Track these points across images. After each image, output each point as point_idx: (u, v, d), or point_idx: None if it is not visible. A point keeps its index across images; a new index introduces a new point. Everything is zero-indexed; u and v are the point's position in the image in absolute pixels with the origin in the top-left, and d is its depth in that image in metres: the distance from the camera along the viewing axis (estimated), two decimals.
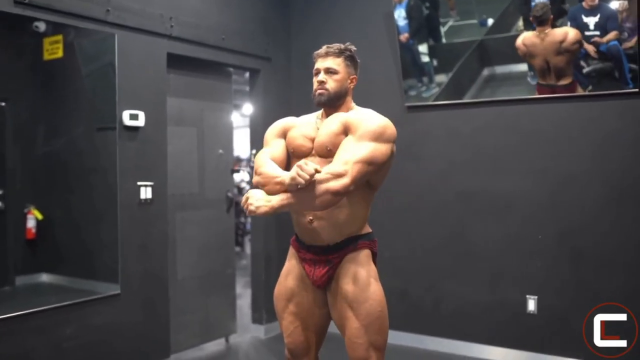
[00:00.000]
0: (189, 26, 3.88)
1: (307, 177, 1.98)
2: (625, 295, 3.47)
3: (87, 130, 3.88)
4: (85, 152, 3.87)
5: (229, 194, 4.44)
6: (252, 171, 2.34)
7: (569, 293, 3.68)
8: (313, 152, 2.24)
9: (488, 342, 3.95)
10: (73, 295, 3.44)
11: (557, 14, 3.60)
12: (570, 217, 3.69)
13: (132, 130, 3.54)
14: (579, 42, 3.54)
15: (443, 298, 4.15)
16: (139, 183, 3.58)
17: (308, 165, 1.99)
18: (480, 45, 3.95)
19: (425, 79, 4.21)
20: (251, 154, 4.59)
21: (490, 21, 3.90)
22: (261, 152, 2.33)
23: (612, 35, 3.44)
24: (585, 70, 3.59)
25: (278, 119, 2.43)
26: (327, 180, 2.03)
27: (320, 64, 2.26)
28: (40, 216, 3.82)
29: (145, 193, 3.61)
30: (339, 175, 2.04)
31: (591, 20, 3.49)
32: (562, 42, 3.59)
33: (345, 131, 2.17)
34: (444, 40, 4.10)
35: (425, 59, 4.18)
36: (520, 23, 3.77)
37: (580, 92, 3.63)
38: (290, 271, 2.37)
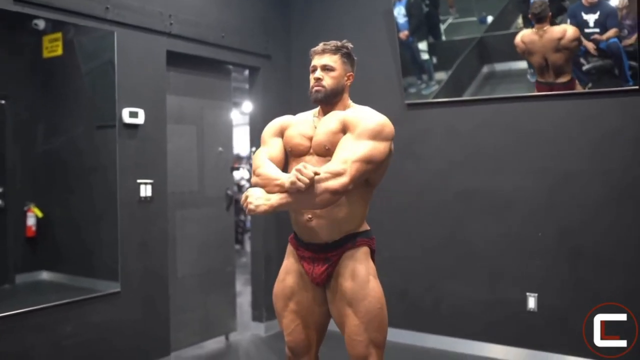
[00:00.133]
0: (189, 24, 3.88)
1: (307, 181, 1.98)
2: (625, 295, 3.47)
3: (87, 128, 3.88)
4: (85, 150, 3.87)
5: (229, 192, 4.44)
6: (251, 169, 2.34)
7: (569, 291, 3.68)
8: (311, 150, 2.23)
9: (488, 339, 3.95)
10: (73, 293, 3.44)
11: (556, 12, 3.60)
12: (570, 217, 3.68)
13: (131, 128, 3.54)
14: (577, 40, 3.54)
15: (443, 296, 4.15)
16: (138, 181, 3.58)
17: (307, 169, 1.99)
18: (479, 42, 3.94)
19: (424, 77, 4.21)
20: (251, 151, 4.59)
21: (489, 19, 3.89)
22: (259, 151, 2.33)
23: (612, 32, 3.43)
24: (585, 67, 3.59)
25: (278, 116, 2.42)
26: (326, 179, 2.03)
27: (317, 60, 2.25)
28: (40, 214, 3.82)
29: (145, 191, 3.61)
30: (337, 174, 2.04)
31: (591, 18, 3.48)
32: (560, 39, 3.59)
33: (344, 129, 2.17)
34: (443, 38, 4.09)
35: (425, 56, 4.17)
36: (520, 21, 3.77)
37: (579, 89, 3.63)
38: (289, 269, 2.37)
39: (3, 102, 3.75)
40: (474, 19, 3.96)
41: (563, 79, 3.66)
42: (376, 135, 2.12)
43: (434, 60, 4.15)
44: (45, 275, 3.92)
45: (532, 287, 3.79)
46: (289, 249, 2.40)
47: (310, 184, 1.99)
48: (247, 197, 2.11)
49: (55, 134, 3.97)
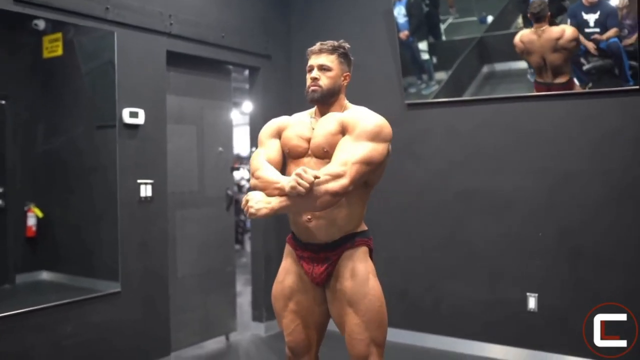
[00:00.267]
0: (189, 24, 3.88)
1: (307, 185, 1.99)
2: (625, 295, 3.47)
3: (87, 128, 3.88)
4: (85, 150, 3.88)
5: (229, 192, 4.44)
6: (250, 170, 2.34)
7: (570, 291, 3.68)
8: (309, 152, 2.24)
9: (488, 339, 3.95)
10: (73, 293, 3.44)
11: (556, 11, 3.59)
12: (570, 217, 3.68)
13: (132, 128, 3.54)
14: (575, 40, 3.53)
15: (443, 296, 4.14)
16: (139, 181, 3.58)
17: (307, 173, 1.99)
18: (479, 42, 3.94)
19: (425, 77, 4.21)
20: (251, 151, 4.58)
21: (489, 18, 3.89)
22: (256, 153, 2.33)
23: (612, 32, 3.43)
24: (585, 67, 3.59)
25: (278, 116, 2.42)
26: (326, 181, 2.03)
27: (314, 60, 2.25)
28: (40, 214, 3.82)
29: (145, 191, 3.61)
30: (337, 176, 2.05)
31: (591, 18, 3.48)
32: (558, 39, 3.58)
33: (343, 131, 2.17)
34: (443, 38, 4.09)
35: (425, 56, 4.17)
36: (520, 20, 3.76)
37: (577, 90, 3.62)
38: (289, 270, 2.37)
39: (3, 102, 3.75)
40: (474, 18, 3.96)
41: (561, 80, 3.66)
42: (375, 137, 2.13)
43: (434, 60, 4.15)
44: (45, 275, 3.92)
45: (532, 287, 3.79)
46: (287, 249, 2.40)
47: (310, 188, 1.99)
48: (247, 201, 2.11)
49: (55, 134, 3.97)
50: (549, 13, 3.59)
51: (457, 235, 4.10)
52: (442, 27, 4.07)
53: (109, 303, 3.44)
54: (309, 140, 2.24)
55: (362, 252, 2.27)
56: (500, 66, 3.96)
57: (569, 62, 3.62)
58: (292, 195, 2.04)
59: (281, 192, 2.08)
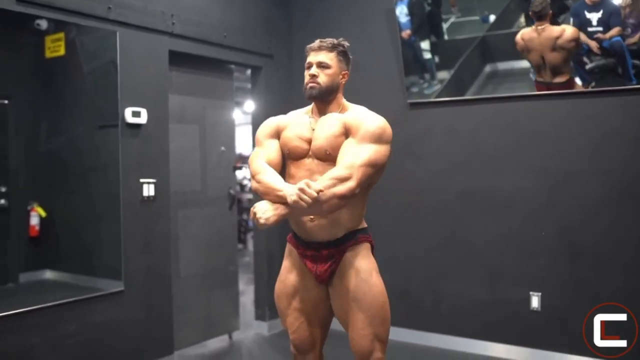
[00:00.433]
0: (191, 24, 3.88)
1: (309, 200, 1.98)
2: (625, 295, 3.46)
3: (90, 128, 3.89)
4: (87, 149, 3.88)
5: (231, 192, 4.45)
6: (250, 171, 2.33)
7: (572, 291, 3.67)
8: (310, 153, 2.23)
9: (490, 339, 3.95)
10: (76, 292, 3.45)
11: (558, 10, 3.58)
12: (570, 217, 3.67)
13: (134, 128, 3.54)
14: (575, 41, 3.52)
15: (444, 296, 4.14)
16: (141, 180, 3.59)
17: (310, 188, 1.98)
18: (482, 41, 3.94)
19: (427, 76, 4.20)
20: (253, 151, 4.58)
21: (492, 17, 3.89)
22: (255, 153, 2.32)
23: (615, 31, 3.42)
24: (588, 66, 3.58)
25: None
26: (333, 185, 2.05)
27: (313, 57, 2.26)
28: (43, 213, 3.83)
29: (148, 190, 3.61)
30: (344, 179, 2.06)
31: (594, 16, 3.47)
32: (557, 38, 3.57)
33: (346, 133, 2.18)
34: (445, 37, 4.09)
35: (427, 55, 4.17)
36: (522, 19, 3.76)
37: (579, 89, 3.61)
38: (291, 268, 2.38)
39: (6, 102, 3.76)
40: (477, 18, 3.95)
41: (560, 79, 3.65)
42: (378, 139, 2.14)
43: (436, 59, 4.15)
44: (48, 274, 3.93)
45: (535, 287, 3.78)
46: (288, 248, 2.41)
47: (312, 203, 1.99)
48: (255, 213, 2.09)
49: (58, 133, 3.98)
50: (551, 12, 3.58)
51: (457, 235, 4.09)
52: (444, 26, 4.07)
53: (112, 302, 3.45)
54: (309, 141, 2.24)
55: (365, 249, 2.28)
56: (502, 65, 3.96)
57: (568, 63, 3.62)
58: (294, 207, 2.04)
59: (283, 198, 2.07)
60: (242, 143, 10.36)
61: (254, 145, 2.43)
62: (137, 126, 3.56)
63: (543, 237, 3.75)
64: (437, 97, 4.14)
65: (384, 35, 4.34)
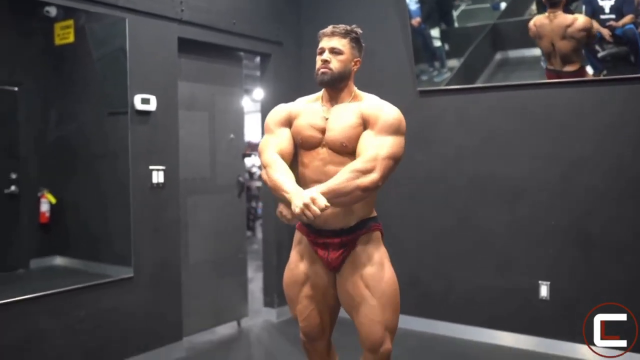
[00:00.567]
0: (200, 10, 3.87)
1: (312, 217, 1.97)
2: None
3: (99, 115, 3.90)
4: (97, 136, 3.90)
5: (241, 179, 4.45)
6: (260, 159, 2.32)
7: (581, 279, 3.66)
8: (323, 143, 2.22)
9: (499, 327, 3.95)
10: (86, 278, 3.48)
11: None
12: (580, 205, 3.65)
13: (143, 115, 3.55)
14: (586, 31, 3.48)
15: (454, 284, 4.14)
16: (150, 167, 3.60)
17: (316, 203, 1.96)
18: (492, 29, 3.90)
19: (437, 64, 4.18)
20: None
21: (503, 5, 3.85)
22: (266, 141, 2.30)
23: (627, 18, 3.38)
24: (600, 54, 3.54)
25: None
26: (356, 177, 2.05)
27: (326, 43, 2.23)
28: (53, 200, 3.85)
29: (157, 177, 3.63)
30: (368, 171, 2.07)
31: (606, 4, 3.43)
32: (569, 26, 3.53)
33: (364, 124, 2.17)
34: (456, 25, 4.06)
35: (437, 43, 4.14)
36: (534, 7, 3.72)
37: (590, 77, 3.58)
38: (301, 256, 2.38)
39: (16, 89, 3.77)
40: (487, 5, 3.92)
41: (570, 68, 3.62)
42: (396, 130, 2.15)
43: (447, 47, 4.12)
44: (59, 260, 3.96)
45: (544, 275, 3.77)
46: (298, 236, 2.41)
47: (314, 220, 2.01)
48: (281, 212, 2.18)
49: (67, 120, 3.99)
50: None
51: (467, 223, 4.08)
52: (455, 13, 4.03)
53: (122, 288, 3.48)
54: (322, 130, 2.22)
55: (376, 237, 2.29)
56: (513, 53, 3.92)
57: (579, 52, 3.58)
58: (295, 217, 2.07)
59: (287, 201, 2.08)
60: (251, 131, 10.36)
61: (263, 133, 2.41)
62: (147, 113, 3.56)
63: (553, 226, 3.73)
64: (447, 85, 4.11)
65: (394, 23, 4.31)
